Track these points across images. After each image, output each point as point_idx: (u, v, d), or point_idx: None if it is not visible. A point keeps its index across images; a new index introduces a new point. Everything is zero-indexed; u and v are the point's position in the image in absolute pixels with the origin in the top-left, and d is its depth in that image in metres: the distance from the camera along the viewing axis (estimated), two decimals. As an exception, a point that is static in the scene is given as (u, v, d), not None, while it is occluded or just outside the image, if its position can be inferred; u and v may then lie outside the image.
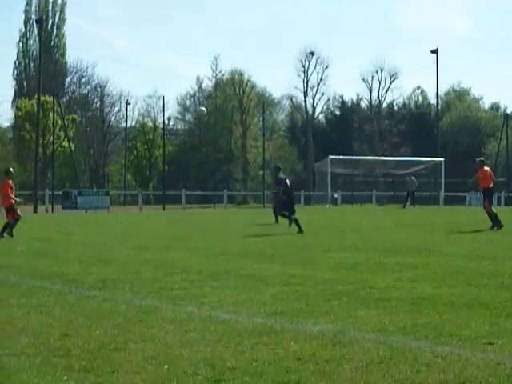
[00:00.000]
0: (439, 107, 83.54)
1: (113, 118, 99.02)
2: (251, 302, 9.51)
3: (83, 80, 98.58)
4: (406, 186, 56.34)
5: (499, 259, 14.49)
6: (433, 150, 74.88)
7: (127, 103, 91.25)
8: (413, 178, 56.12)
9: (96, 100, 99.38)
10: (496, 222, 24.65)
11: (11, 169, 24.15)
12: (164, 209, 58.43)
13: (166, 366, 6.23)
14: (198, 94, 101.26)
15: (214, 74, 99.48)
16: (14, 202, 22.97)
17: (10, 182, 23.24)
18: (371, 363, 6.26)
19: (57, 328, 7.92)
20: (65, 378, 5.94)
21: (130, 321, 8.29)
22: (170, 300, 9.74)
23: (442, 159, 69.70)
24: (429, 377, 5.83)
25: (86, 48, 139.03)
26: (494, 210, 25.17)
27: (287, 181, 25.09)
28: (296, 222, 23.72)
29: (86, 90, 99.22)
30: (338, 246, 18.11)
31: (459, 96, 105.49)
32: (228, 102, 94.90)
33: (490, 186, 25.50)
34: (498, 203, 61.23)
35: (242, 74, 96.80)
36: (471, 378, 5.79)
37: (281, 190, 25.17)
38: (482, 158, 27.07)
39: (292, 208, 24.50)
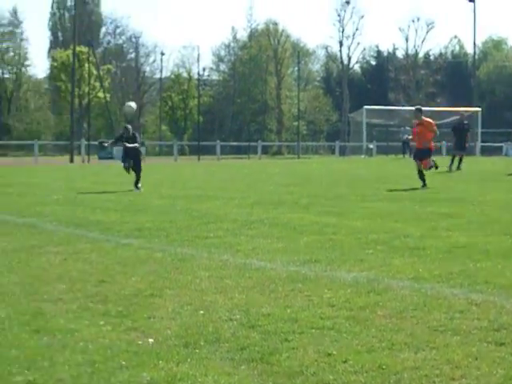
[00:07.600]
0: (476, 57, 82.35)
1: (148, 68, 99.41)
2: (286, 250, 9.53)
3: (118, 30, 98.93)
4: (401, 136, 55.95)
5: (536, 209, 14.36)
6: (469, 100, 74.00)
7: (162, 54, 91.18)
8: (407, 127, 55.54)
9: (131, 50, 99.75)
10: None
11: None
12: (199, 159, 58.50)
13: (201, 312, 6.29)
14: (232, 44, 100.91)
15: (249, 24, 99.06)
16: None
17: None
18: (405, 310, 6.25)
19: (93, 275, 8.01)
20: (101, 323, 6.01)
21: (165, 268, 8.36)
22: (205, 248, 9.79)
23: (478, 109, 68.85)
24: (463, 323, 5.82)
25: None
26: None
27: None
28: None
29: (121, 41, 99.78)
30: (373, 195, 18.05)
31: (496, 45, 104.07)
32: (263, 52, 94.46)
33: None
34: None
35: (276, 24, 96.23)
36: (505, 324, 5.77)
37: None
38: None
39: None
